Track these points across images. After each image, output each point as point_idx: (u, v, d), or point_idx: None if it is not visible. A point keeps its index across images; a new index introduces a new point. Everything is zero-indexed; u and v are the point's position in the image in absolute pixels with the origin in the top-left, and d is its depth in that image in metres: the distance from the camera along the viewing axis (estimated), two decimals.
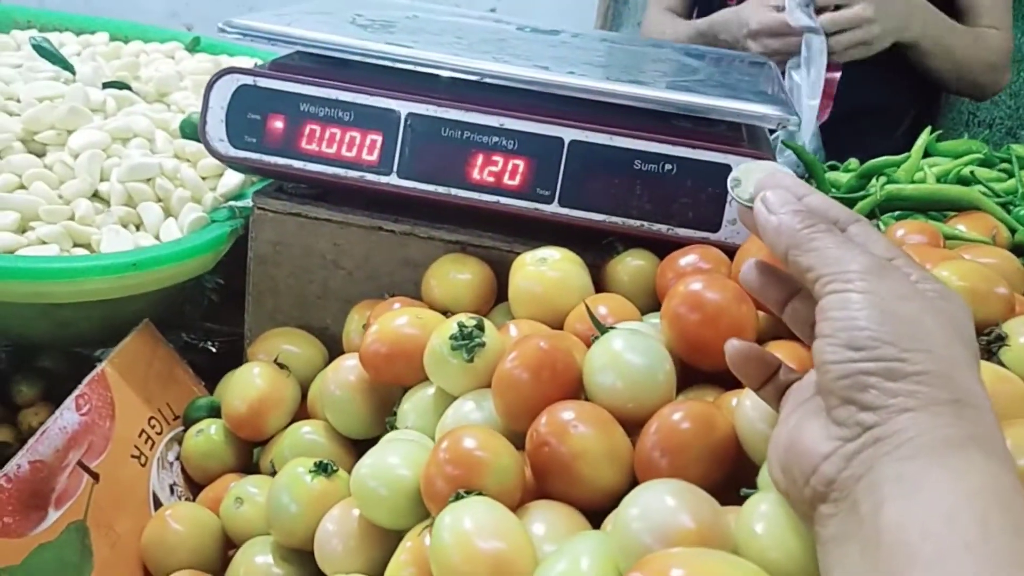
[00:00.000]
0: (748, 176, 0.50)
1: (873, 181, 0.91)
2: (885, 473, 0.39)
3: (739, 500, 0.53)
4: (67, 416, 0.74)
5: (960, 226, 0.84)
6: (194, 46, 1.36)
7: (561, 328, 0.76)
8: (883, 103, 1.49)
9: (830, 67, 1.32)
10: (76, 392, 0.77)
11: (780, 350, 0.63)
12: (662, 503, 0.46)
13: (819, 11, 1.29)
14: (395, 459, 0.62)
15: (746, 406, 0.56)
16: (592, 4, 2.18)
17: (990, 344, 0.60)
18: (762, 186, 0.49)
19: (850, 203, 0.90)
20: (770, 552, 0.45)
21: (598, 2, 2.17)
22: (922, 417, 0.39)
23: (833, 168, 1.11)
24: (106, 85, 1.09)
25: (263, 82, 0.83)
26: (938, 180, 0.94)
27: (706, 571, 0.40)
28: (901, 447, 0.39)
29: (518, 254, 0.81)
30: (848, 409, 0.41)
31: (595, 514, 0.58)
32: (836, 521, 0.41)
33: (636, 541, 0.45)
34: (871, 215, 0.88)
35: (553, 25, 1.11)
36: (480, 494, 0.55)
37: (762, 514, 0.46)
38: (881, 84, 1.42)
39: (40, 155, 0.96)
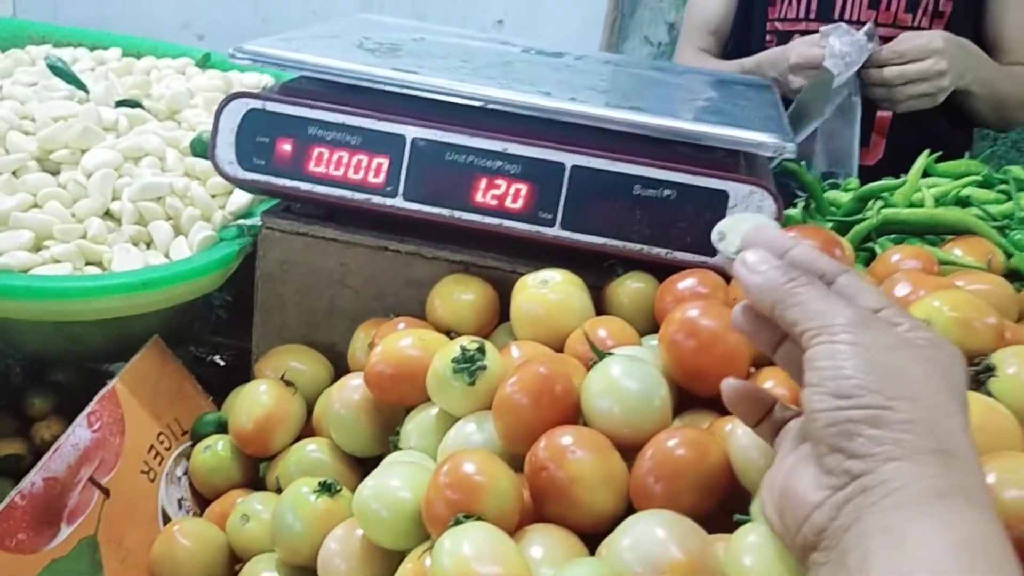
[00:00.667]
0: (733, 230, 0.51)
1: (870, 204, 0.92)
2: (873, 524, 0.40)
3: (732, 526, 0.54)
4: (79, 433, 0.76)
5: (956, 250, 0.86)
6: (205, 62, 1.38)
7: (562, 349, 0.77)
8: (938, 138, 1.45)
9: (882, 107, 1.35)
10: (88, 409, 0.78)
11: (776, 376, 0.65)
12: (652, 534, 0.48)
13: (881, 65, 1.29)
14: (397, 482, 0.63)
15: (739, 434, 0.57)
16: (599, 17, 2.19)
17: (979, 375, 0.61)
18: (748, 240, 0.50)
19: (848, 226, 0.92)
20: None
21: (605, 15, 2.18)
22: (908, 466, 0.40)
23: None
24: (119, 103, 1.11)
25: (272, 106, 0.85)
26: (936, 201, 0.95)
27: None
28: (888, 497, 0.40)
29: (521, 275, 0.82)
30: (836, 457, 0.42)
31: (592, 537, 0.59)
32: (826, 570, 0.42)
33: (627, 571, 0.47)
34: (868, 238, 0.90)
35: (560, 37, 1.13)
36: (479, 518, 0.57)
37: (750, 545, 0.48)
38: (933, 121, 1.43)
39: (54, 174, 0.98)
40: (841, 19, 1.48)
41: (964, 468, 0.41)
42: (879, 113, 1.46)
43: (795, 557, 0.45)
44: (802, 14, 1.53)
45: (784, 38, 1.51)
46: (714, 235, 0.51)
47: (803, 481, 0.44)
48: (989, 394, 0.60)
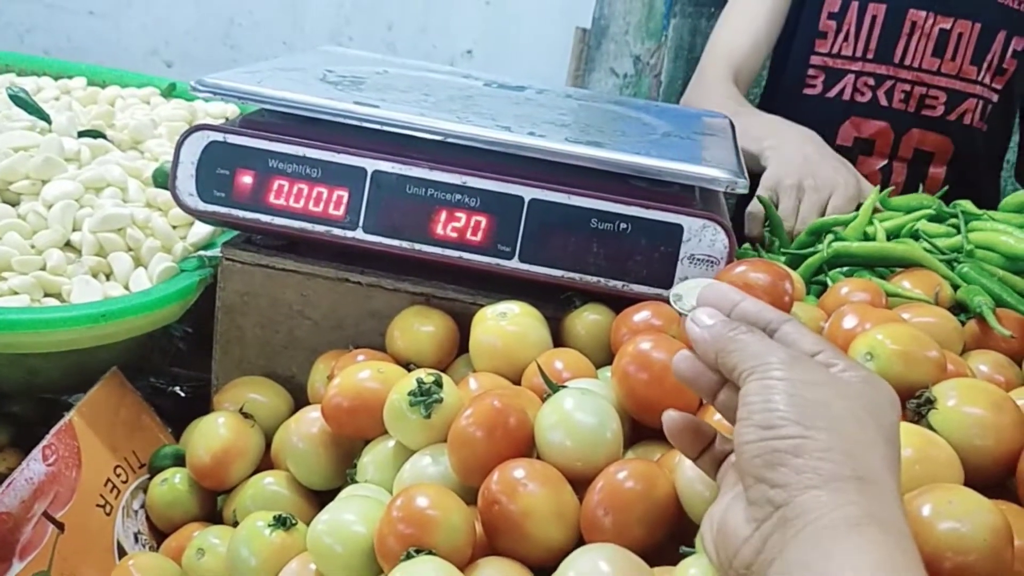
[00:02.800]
0: (689, 291, 0.55)
1: (823, 238, 0.94)
2: (792, 559, 0.42)
3: (680, 558, 0.55)
4: (33, 467, 0.76)
5: (905, 282, 0.88)
6: (170, 91, 1.38)
7: (520, 380, 0.78)
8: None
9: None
10: (43, 443, 0.78)
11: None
12: (596, 569, 0.48)
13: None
14: (351, 516, 0.64)
15: (685, 466, 0.58)
16: (566, 49, 2.23)
17: (919, 407, 0.62)
18: (702, 299, 0.53)
19: (801, 259, 0.93)
20: None
21: (571, 46, 2.21)
22: (824, 495, 0.42)
23: None
24: (81, 134, 1.11)
25: (232, 139, 0.86)
26: (888, 235, 0.97)
27: None
28: (805, 529, 0.42)
29: (481, 306, 0.83)
30: (761, 488, 0.44)
31: (544, 570, 0.60)
32: None
33: None
34: (819, 271, 0.92)
35: (528, 68, 1.14)
36: (431, 552, 0.57)
37: None
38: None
39: (14, 204, 0.98)
40: (901, 64, 1.43)
41: (879, 495, 0.43)
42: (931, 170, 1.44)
43: None
44: (859, 53, 1.45)
45: (835, 77, 1.45)
46: (671, 297, 0.55)
47: (735, 516, 0.46)
48: (929, 426, 0.61)
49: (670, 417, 0.54)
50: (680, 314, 0.54)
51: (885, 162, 1.46)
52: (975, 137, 1.48)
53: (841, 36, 1.45)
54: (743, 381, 0.47)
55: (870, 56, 1.44)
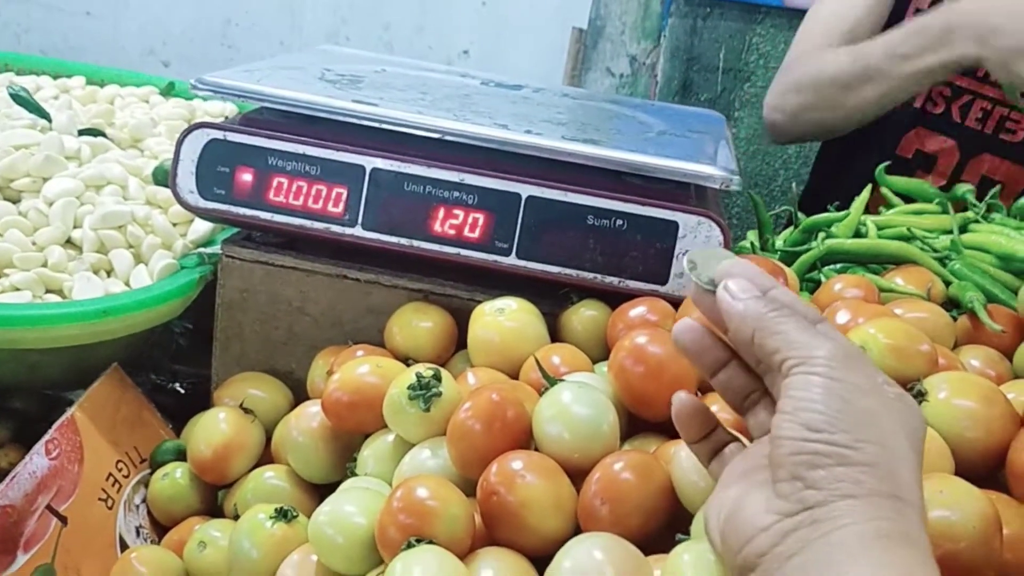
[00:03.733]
0: (705, 261, 0.52)
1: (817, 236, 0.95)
2: (816, 557, 0.42)
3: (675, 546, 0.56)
4: (37, 461, 0.77)
5: (898, 279, 0.89)
6: (169, 91, 1.39)
7: (517, 375, 0.79)
8: None
9: None
10: (46, 437, 0.79)
11: (721, 401, 0.67)
12: (590, 557, 0.49)
13: None
14: (351, 507, 0.64)
15: (682, 456, 0.59)
16: (563, 49, 2.24)
17: (915, 401, 0.63)
18: (727, 273, 0.50)
19: (794, 256, 0.95)
20: None
21: (568, 46, 2.22)
22: (860, 506, 0.42)
23: None
24: (81, 132, 1.12)
25: (232, 136, 0.87)
26: (879, 231, 0.98)
27: None
28: (835, 532, 0.42)
29: (479, 302, 0.84)
30: (794, 484, 0.44)
31: (543, 560, 0.61)
32: None
33: None
34: (812, 268, 0.93)
35: (525, 68, 1.15)
36: (431, 542, 0.58)
37: (685, 563, 0.50)
38: None
39: (15, 202, 0.99)
40: (985, 79, 1.26)
41: (910, 516, 0.43)
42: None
43: None
44: None
45: None
46: (686, 263, 0.52)
47: (753, 504, 0.46)
48: None
49: (680, 399, 0.54)
50: (698, 284, 0.51)
51: (944, 183, 1.30)
52: None
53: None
54: (788, 371, 0.46)
55: None
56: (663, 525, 0.60)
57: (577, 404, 0.65)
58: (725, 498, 0.49)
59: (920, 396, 0.63)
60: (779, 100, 1.29)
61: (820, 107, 1.23)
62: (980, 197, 1.09)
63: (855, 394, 0.45)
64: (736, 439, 0.54)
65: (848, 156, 1.23)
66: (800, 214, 1.05)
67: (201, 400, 0.96)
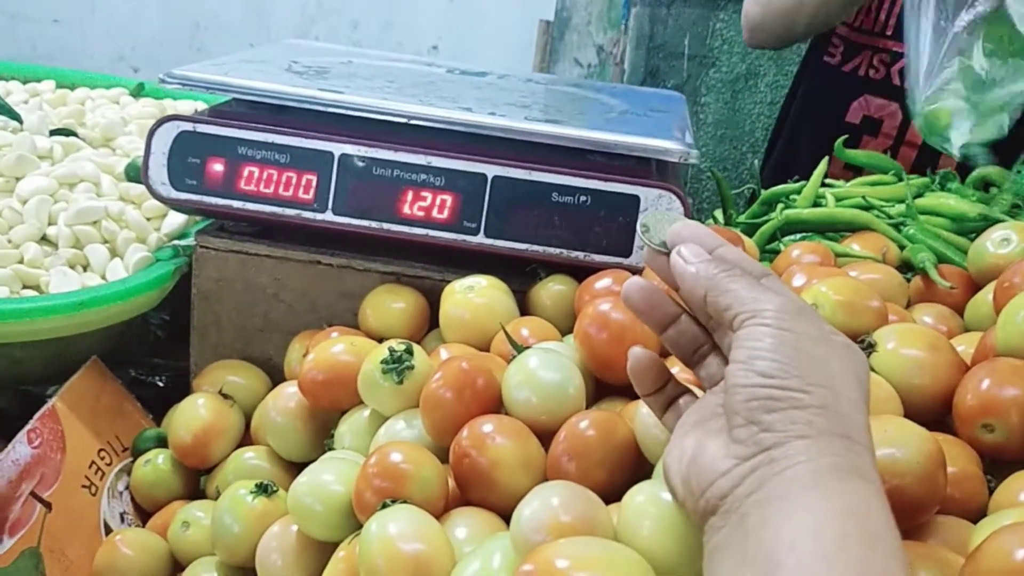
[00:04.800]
0: (656, 224, 0.55)
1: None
2: (772, 491, 0.44)
3: None
4: (19, 449, 0.78)
5: (854, 245, 0.92)
6: (139, 91, 1.40)
7: (488, 351, 0.81)
8: None
9: None
10: (28, 427, 0.80)
11: (677, 364, 0.69)
12: (547, 503, 0.52)
13: None
14: (329, 476, 0.67)
15: (643, 412, 0.62)
16: (531, 40, 2.26)
17: (862, 351, 0.66)
18: (677, 235, 0.53)
19: (754, 227, 0.97)
20: (645, 538, 0.51)
21: (535, 38, 2.25)
22: (814, 445, 0.45)
23: None
24: (53, 132, 1.13)
25: (202, 128, 0.89)
26: (837, 200, 1.01)
27: (588, 558, 0.46)
28: (790, 468, 0.44)
29: (449, 282, 0.86)
30: (750, 429, 0.46)
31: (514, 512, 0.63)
32: (723, 533, 0.46)
33: (526, 539, 0.51)
34: (773, 237, 0.96)
35: (494, 60, 1.17)
36: (405, 503, 0.60)
37: (637, 503, 0.52)
38: None
39: None
40: None
41: (862, 454, 0.46)
42: (942, 159, 1.23)
43: (694, 521, 0.49)
44: (878, 28, 1.36)
45: (853, 51, 1.38)
46: (639, 227, 0.55)
47: (712, 450, 0.48)
48: (871, 369, 0.65)
49: (635, 354, 0.56)
50: (651, 246, 0.54)
51: (891, 144, 1.37)
52: None
53: (864, 10, 1.36)
54: (740, 324, 0.48)
55: (888, 32, 1.35)
56: (628, 478, 0.62)
57: (544, 369, 0.68)
58: (684, 447, 0.51)
59: (870, 348, 0.66)
60: None
61: None
62: (925, 158, 1.18)
63: (805, 342, 0.47)
64: (689, 391, 0.56)
65: (802, 126, 1.27)
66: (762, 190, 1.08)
67: (181, 393, 0.97)
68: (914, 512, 0.54)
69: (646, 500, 0.52)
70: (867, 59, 1.37)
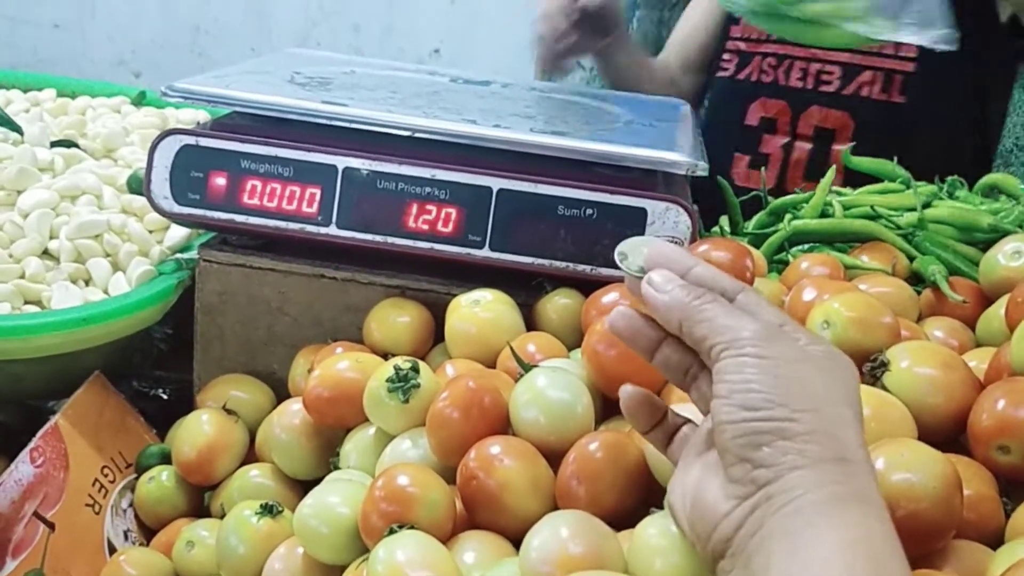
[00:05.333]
0: (634, 250, 0.53)
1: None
2: (774, 528, 0.43)
3: None
4: (22, 469, 0.77)
5: (863, 256, 0.91)
6: (140, 100, 1.40)
7: (495, 366, 0.81)
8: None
9: None
10: (30, 445, 0.80)
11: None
12: (556, 533, 0.51)
13: None
14: (335, 498, 0.66)
15: None
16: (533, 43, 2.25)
17: (874, 370, 0.65)
18: (651, 261, 0.52)
19: (762, 238, 0.97)
20: (657, 574, 0.50)
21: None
22: (810, 475, 0.44)
23: None
24: (54, 144, 1.12)
25: (205, 141, 0.88)
26: (845, 210, 1.00)
27: None
28: (790, 503, 0.43)
29: (455, 296, 0.86)
30: (743, 467, 0.45)
31: (522, 541, 0.62)
32: None
33: (535, 571, 0.50)
34: (780, 248, 0.95)
35: (496, 64, 1.16)
36: (412, 528, 0.60)
37: (649, 536, 0.52)
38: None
39: None
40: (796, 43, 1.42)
41: (859, 475, 0.45)
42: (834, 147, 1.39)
43: (707, 566, 0.48)
44: (763, 35, 1.48)
45: (745, 60, 1.48)
46: (616, 256, 0.54)
47: (711, 491, 0.47)
48: (884, 388, 0.64)
49: (626, 392, 0.55)
50: (628, 273, 0.53)
51: (787, 139, 1.47)
52: (882, 111, 1.42)
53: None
54: (717, 356, 0.47)
55: (773, 37, 1.46)
56: (639, 501, 0.61)
57: (552, 388, 0.67)
58: (686, 484, 0.50)
59: (883, 366, 0.65)
60: None
61: None
62: (819, 147, 1.38)
63: (784, 367, 0.46)
64: (688, 421, 0.55)
65: (709, 134, 1.28)
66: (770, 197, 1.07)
67: (184, 406, 0.97)
68: (931, 537, 0.53)
69: (658, 534, 0.51)
70: (757, 65, 1.49)
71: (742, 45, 1.50)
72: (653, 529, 0.52)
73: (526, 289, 0.88)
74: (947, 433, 0.64)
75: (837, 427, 0.45)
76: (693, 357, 0.52)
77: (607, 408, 0.73)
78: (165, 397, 1.07)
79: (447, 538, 0.62)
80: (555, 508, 0.63)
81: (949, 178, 1.10)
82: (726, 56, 1.52)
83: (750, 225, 1.05)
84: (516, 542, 0.62)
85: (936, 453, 0.55)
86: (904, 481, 0.53)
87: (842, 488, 0.44)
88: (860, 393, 0.49)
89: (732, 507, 0.45)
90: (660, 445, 0.55)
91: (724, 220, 1.14)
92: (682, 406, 0.57)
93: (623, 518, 0.60)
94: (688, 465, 0.51)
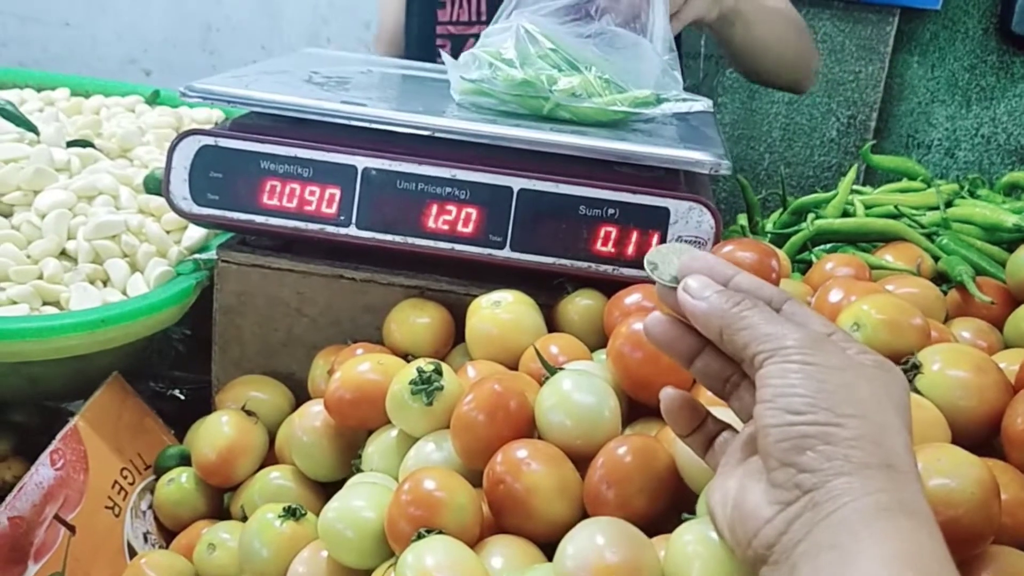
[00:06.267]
0: (664, 258, 0.52)
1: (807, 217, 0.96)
2: (821, 540, 0.42)
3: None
4: (43, 472, 0.77)
5: (887, 256, 0.90)
6: (154, 99, 1.39)
7: (516, 367, 0.80)
8: None
9: None
10: (50, 448, 0.79)
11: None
12: (592, 541, 0.50)
13: None
14: (360, 502, 0.65)
15: None
16: None
17: (906, 373, 0.64)
18: (688, 269, 0.50)
19: (784, 238, 0.96)
20: None
21: None
22: (856, 481, 0.43)
23: None
24: (70, 144, 1.12)
25: (224, 142, 0.87)
26: (867, 209, 0.99)
27: None
28: (836, 512, 0.42)
29: (475, 297, 0.85)
30: (787, 471, 0.44)
31: (551, 545, 0.62)
32: None
33: None
34: (803, 248, 0.94)
35: None
36: (440, 532, 0.59)
37: (687, 543, 0.51)
38: None
39: (7, 216, 0.99)
40: None
41: (906, 483, 0.44)
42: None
43: (746, 570, 0.47)
44: (474, 16, 1.46)
45: (460, 44, 1.45)
46: (646, 265, 0.52)
47: (753, 496, 0.46)
48: (916, 390, 0.64)
49: (667, 395, 0.54)
50: (661, 283, 0.51)
51: None
52: None
53: (458, 3, 1.45)
54: (760, 364, 0.46)
55: (484, 19, 1.43)
56: (668, 506, 0.61)
57: (578, 392, 0.66)
58: (727, 490, 0.49)
59: (915, 369, 0.64)
60: None
61: None
62: None
63: (830, 373, 0.45)
64: (728, 427, 0.54)
65: None
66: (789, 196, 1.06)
67: (202, 406, 0.97)
68: (970, 543, 0.53)
69: (695, 540, 0.51)
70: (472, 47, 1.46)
71: (453, 29, 1.47)
72: (689, 536, 0.51)
73: (547, 290, 0.87)
74: (980, 436, 0.63)
75: (884, 434, 0.44)
76: (734, 366, 0.51)
77: (632, 410, 0.73)
78: (182, 398, 1.07)
79: (474, 542, 0.61)
80: (583, 513, 0.62)
81: (971, 176, 1.09)
82: (439, 43, 1.48)
83: (769, 224, 1.04)
84: (543, 547, 0.62)
85: (973, 457, 0.54)
86: (942, 487, 0.52)
87: (888, 496, 0.43)
88: (908, 402, 0.47)
89: (775, 512, 0.44)
90: (699, 450, 0.54)
91: (743, 218, 1.13)
92: (717, 409, 0.56)
93: (652, 523, 0.59)
94: (729, 470, 0.50)
